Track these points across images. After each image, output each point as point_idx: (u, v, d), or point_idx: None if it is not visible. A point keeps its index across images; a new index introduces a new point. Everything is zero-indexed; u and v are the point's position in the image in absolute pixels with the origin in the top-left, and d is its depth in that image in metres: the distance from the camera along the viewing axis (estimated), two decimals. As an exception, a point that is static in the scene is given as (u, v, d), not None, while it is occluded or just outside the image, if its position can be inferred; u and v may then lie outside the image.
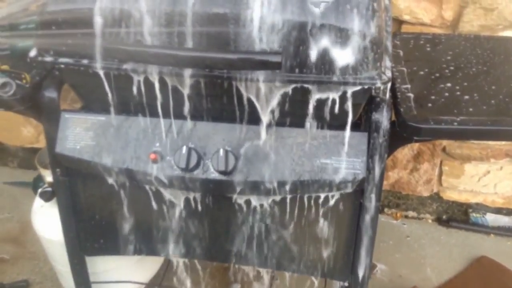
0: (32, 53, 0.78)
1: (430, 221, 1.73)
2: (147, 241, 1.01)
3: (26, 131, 1.75)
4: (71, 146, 0.87)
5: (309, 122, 0.81)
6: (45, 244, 1.23)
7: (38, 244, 1.27)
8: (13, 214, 1.70)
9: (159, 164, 0.85)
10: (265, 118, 0.80)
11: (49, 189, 1.13)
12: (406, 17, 1.29)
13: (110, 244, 1.03)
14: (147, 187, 0.91)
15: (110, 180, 0.91)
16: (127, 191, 0.93)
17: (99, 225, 1.01)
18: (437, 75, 0.91)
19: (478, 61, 0.95)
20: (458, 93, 0.86)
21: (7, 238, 1.62)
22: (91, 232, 1.03)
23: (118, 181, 0.91)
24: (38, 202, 1.20)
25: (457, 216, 1.71)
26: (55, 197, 1.10)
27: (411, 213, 1.74)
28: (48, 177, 1.12)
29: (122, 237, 1.01)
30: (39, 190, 1.14)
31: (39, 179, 1.20)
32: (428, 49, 0.99)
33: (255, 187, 0.84)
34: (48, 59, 0.78)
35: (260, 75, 0.73)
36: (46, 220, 1.18)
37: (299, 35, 0.70)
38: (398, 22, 1.32)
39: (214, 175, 0.84)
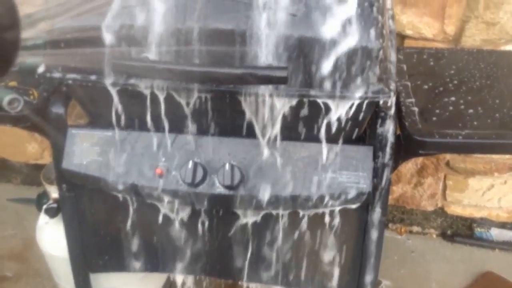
0: (41, 69, 0.79)
1: (434, 236, 1.72)
2: (152, 258, 1.01)
3: (31, 147, 1.75)
4: (78, 162, 0.87)
5: (314, 137, 0.81)
6: (50, 261, 1.22)
7: (42, 261, 1.26)
8: (16, 231, 1.69)
9: (165, 179, 0.85)
10: (270, 132, 0.80)
11: (55, 205, 1.12)
12: (408, 32, 1.30)
13: (115, 261, 1.03)
14: (153, 202, 0.91)
15: (116, 196, 0.91)
16: (133, 207, 0.93)
17: (104, 242, 1.01)
18: (441, 89, 0.91)
19: (482, 75, 0.96)
20: (462, 106, 0.87)
21: (10, 255, 1.61)
22: (96, 249, 1.03)
23: (124, 197, 0.91)
24: (42, 218, 1.20)
25: (462, 231, 1.70)
26: (60, 213, 1.09)
27: (415, 228, 1.73)
28: (54, 193, 1.12)
29: (127, 254, 1.01)
30: (45, 206, 1.14)
31: (43, 196, 1.20)
32: (432, 63, 1.00)
33: (261, 202, 0.84)
34: (57, 75, 0.78)
35: (266, 90, 0.74)
36: (51, 237, 1.18)
37: (304, 51, 0.71)
38: (401, 37, 1.33)
39: (220, 189, 0.84)
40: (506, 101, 0.88)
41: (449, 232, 1.71)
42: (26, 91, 0.85)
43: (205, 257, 0.98)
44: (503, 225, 1.66)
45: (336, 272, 0.96)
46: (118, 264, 1.03)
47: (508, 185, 1.54)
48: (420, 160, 1.53)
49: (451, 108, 0.86)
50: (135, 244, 0.99)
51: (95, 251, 1.03)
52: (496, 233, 1.66)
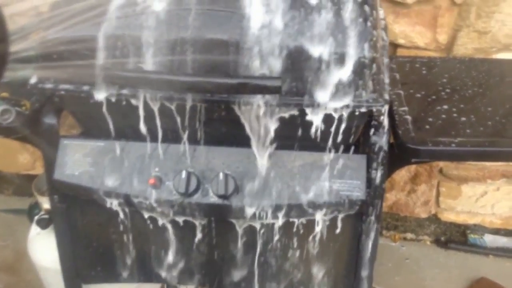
0: (33, 80, 0.79)
1: (428, 242, 1.72)
2: (145, 268, 1.00)
3: (22, 158, 1.74)
4: (70, 172, 0.87)
5: (308, 146, 0.81)
6: (41, 272, 1.21)
7: (34, 272, 1.25)
8: (8, 242, 1.68)
9: (158, 189, 0.85)
10: (264, 141, 0.80)
11: (46, 216, 1.12)
12: (401, 41, 1.31)
13: (108, 272, 1.02)
14: (145, 212, 0.90)
15: (109, 206, 0.90)
16: (126, 218, 0.93)
17: (97, 252, 1.00)
18: (434, 97, 0.92)
19: (474, 83, 0.96)
20: (455, 115, 0.87)
21: (1, 266, 1.60)
22: (89, 260, 1.02)
23: (117, 207, 0.90)
24: (34, 229, 1.19)
25: (455, 237, 1.71)
26: (51, 224, 1.09)
27: (409, 235, 1.74)
28: (45, 204, 1.11)
29: (120, 264, 1.00)
30: (36, 218, 1.13)
31: (34, 206, 1.19)
32: (424, 72, 1.00)
33: (255, 211, 0.84)
34: (49, 86, 0.78)
35: (260, 99, 0.74)
36: (43, 248, 1.17)
37: (298, 60, 0.71)
38: (394, 46, 1.34)
39: (213, 199, 0.84)
40: (498, 109, 0.89)
41: (443, 238, 1.71)
42: (18, 102, 0.84)
43: (199, 268, 0.97)
44: (496, 231, 1.67)
45: (331, 280, 0.96)
46: (111, 275, 1.02)
47: (501, 191, 1.55)
48: (413, 167, 1.53)
49: (444, 116, 0.87)
50: (128, 254, 0.98)
51: (88, 262, 1.02)
52: (489, 240, 1.67)
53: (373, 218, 0.86)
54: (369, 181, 0.82)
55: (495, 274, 1.57)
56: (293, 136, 0.80)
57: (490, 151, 0.82)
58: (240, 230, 0.90)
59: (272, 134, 0.79)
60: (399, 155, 0.82)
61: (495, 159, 1.17)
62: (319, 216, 0.85)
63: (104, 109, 0.78)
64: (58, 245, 1.00)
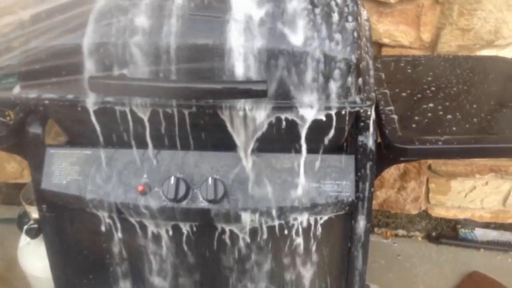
0: (16, 90, 0.78)
1: (420, 238, 1.73)
2: (136, 276, 0.99)
3: (10, 167, 1.72)
4: (57, 182, 0.86)
5: (296, 147, 0.81)
6: (32, 281, 1.20)
7: (25, 282, 1.24)
8: (-2, 251, 1.66)
9: (147, 196, 0.84)
10: (252, 145, 0.80)
11: (35, 225, 1.11)
12: (385, 40, 1.32)
13: (100, 280, 1.01)
14: (135, 220, 0.90)
15: (98, 215, 0.90)
16: (115, 225, 0.92)
17: (87, 261, 0.99)
18: (419, 96, 0.92)
19: (458, 81, 0.97)
20: (441, 113, 0.88)
21: (-8, 277, 1.58)
22: (79, 268, 1.01)
23: (106, 215, 0.90)
24: (24, 239, 1.18)
25: (446, 232, 1.72)
26: (41, 234, 1.08)
27: (401, 232, 1.74)
28: (34, 213, 1.10)
29: (111, 273, 0.99)
30: (25, 227, 1.12)
31: (24, 216, 1.18)
32: (409, 70, 1.01)
33: (245, 215, 0.84)
34: (32, 95, 0.77)
35: (246, 103, 0.74)
36: (33, 257, 1.16)
37: (282, 63, 0.71)
38: (378, 45, 1.34)
39: (203, 204, 0.83)
40: (483, 105, 0.89)
41: (434, 234, 1.72)
42: (1, 112, 0.83)
43: (192, 274, 0.97)
44: (486, 225, 1.68)
45: (324, 279, 0.96)
46: (102, 283, 1.01)
47: (490, 186, 1.56)
48: (402, 164, 1.54)
49: (429, 114, 0.87)
50: (118, 262, 0.98)
51: (78, 271, 1.01)
52: (480, 233, 1.68)
53: (363, 217, 0.86)
54: (358, 181, 0.83)
55: (487, 268, 1.58)
56: (280, 138, 0.80)
57: (477, 148, 0.82)
58: (231, 235, 0.90)
59: (259, 137, 0.79)
60: (387, 154, 0.83)
61: (481, 156, 1.18)
62: (308, 217, 0.86)
63: (90, 117, 0.78)
64: (48, 254, 0.99)
